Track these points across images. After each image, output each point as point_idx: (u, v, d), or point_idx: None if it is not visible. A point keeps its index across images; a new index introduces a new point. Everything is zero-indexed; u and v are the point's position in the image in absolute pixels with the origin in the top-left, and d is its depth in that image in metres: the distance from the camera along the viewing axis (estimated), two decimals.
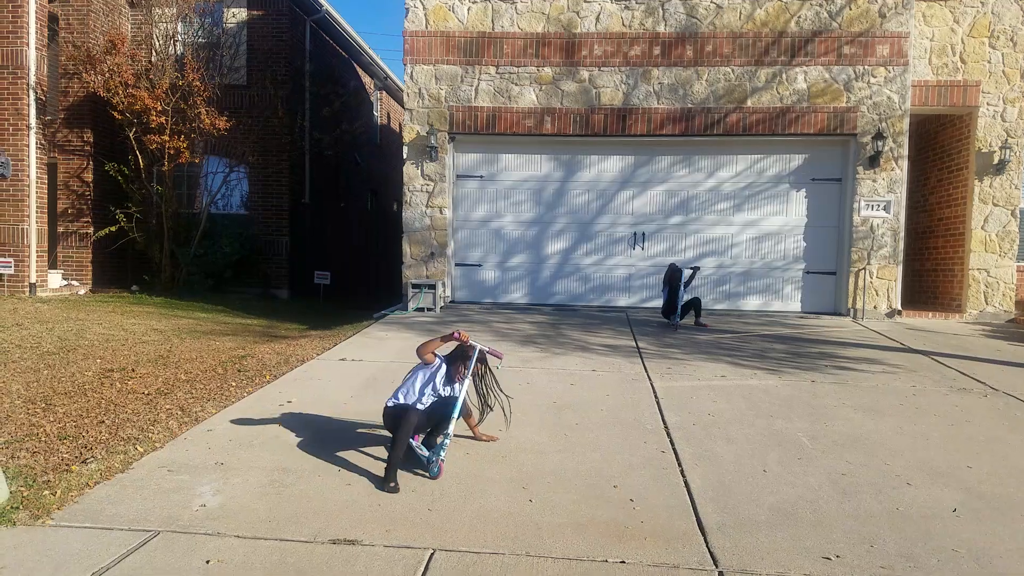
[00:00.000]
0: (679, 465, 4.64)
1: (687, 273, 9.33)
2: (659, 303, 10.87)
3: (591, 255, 11.02)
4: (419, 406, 4.45)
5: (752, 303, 10.69)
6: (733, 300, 10.76)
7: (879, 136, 9.87)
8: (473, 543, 3.52)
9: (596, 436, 5.17)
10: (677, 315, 9.15)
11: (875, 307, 10.19)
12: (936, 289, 11.53)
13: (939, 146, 11.60)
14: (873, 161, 10.00)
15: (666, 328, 9.26)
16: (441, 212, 10.76)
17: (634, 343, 8.37)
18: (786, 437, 5.22)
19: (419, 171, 10.80)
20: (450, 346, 4.62)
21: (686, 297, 9.31)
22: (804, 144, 10.44)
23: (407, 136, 10.87)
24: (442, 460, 4.32)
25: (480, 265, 11.16)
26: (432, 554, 3.42)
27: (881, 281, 10.20)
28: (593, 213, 10.98)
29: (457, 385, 4.60)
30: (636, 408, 5.84)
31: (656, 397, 6.15)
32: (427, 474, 4.34)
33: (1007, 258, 10.56)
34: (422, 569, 3.27)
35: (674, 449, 4.94)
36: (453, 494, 4.10)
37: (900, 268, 10.30)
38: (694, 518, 3.88)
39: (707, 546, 3.56)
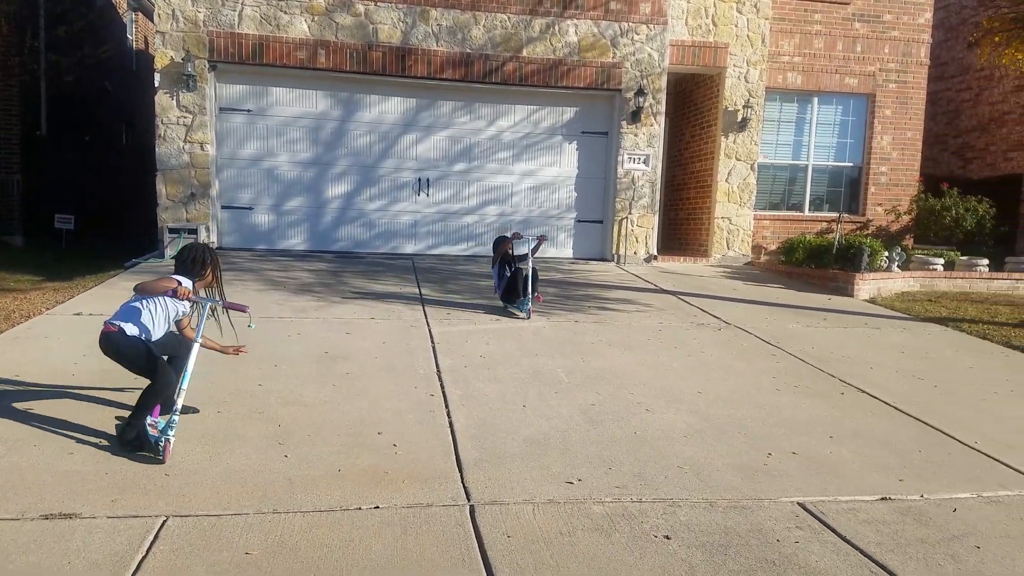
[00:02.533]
0: (446, 407, 4.70)
1: (530, 244, 7.32)
2: (447, 250, 10.93)
3: (375, 200, 10.71)
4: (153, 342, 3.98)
5: None
6: None
7: (640, 92, 10.59)
8: (214, 506, 3.27)
9: (366, 384, 5.06)
10: (527, 299, 7.11)
11: (635, 253, 11.10)
12: (688, 236, 12.84)
13: (694, 104, 12.76)
14: (635, 116, 10.74)
15: (455, 279, 9.30)
16: (202, 148, 9.77)
17: (417, 290, 8.32)
18: (547, 374, 5.51)
19: (175, 102, 9.67)
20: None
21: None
22: (576, 97, 10.91)
23: (159, 62, 9.65)
24: (170, 440, 3.67)
25: (251, 208, 10.36)
26: (164, 521, 3.12)
27: (641, 229, 11.11)
28: (376, 156, 10.64)
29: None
30: (411, 354, 5.82)
31: (432, 342, 6.17)
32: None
33: (746, 208, 11.99)
34: (151, 539, 2.98)
35: (443, 392, 4.99)
36: (197, 456, 3.78)
37: (657, 217, 11.28)
38: (454, 457, 3.96)
39: (462, 482, 3.65)
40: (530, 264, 7.21)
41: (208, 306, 3.93)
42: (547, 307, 7.83)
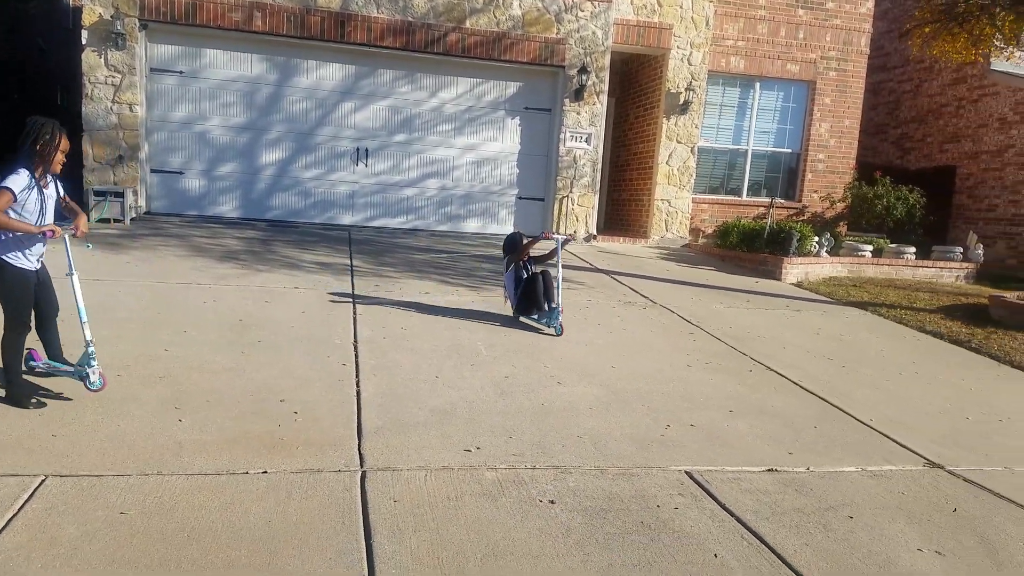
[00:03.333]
0: (357, 377, 4.69)
1: (559, 241, 6.39)
2: (386, 222, 10.80)
3: (312, 168, 10.51)
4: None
5: (472, 225, 11.09)
6: (455, 222, 11.06)
7: (584, 70, 10.59)
8: (97, 467, 3.22)
9: (278, 353, 5.01)
10: (555, 311, 6.07)
11: (575, 231, 11.16)
12: (630, 217, 12.97)
13: (638, 85, 12.82)
14: (578, 94, 10.74)
15: (391, 252, 9.20)
16: (131, 109, 9.43)
17: (349, 261, 8.23)
18: (467, 347, 5.53)
19: (103, 60, 9.31)
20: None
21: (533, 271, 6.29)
22: (519, 72, 10.85)
23: (87, 19, 9.27)
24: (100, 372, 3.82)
25: (182, 173, 10.07)
26: (43, 480, 3.06)
27: (581, 208, 11.18)
28: (313, 123, 10.42)
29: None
30: (331, 325, 5.77)
31: (355, 313, 6.13)
32: (66, 397, 3.87)
33: (685, 191, 12.16)
34: (25, 497, 2.92)
35: (357, 362, 4.97)
36: (87, 418, 3.70)
37: (597, 197, 11.34)
38: (355, 425, 3.96)
39: (359, 449, 3.66)
40: (559, 267, 6.27)
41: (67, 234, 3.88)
42: (480, 282, 7.85)
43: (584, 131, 10.99)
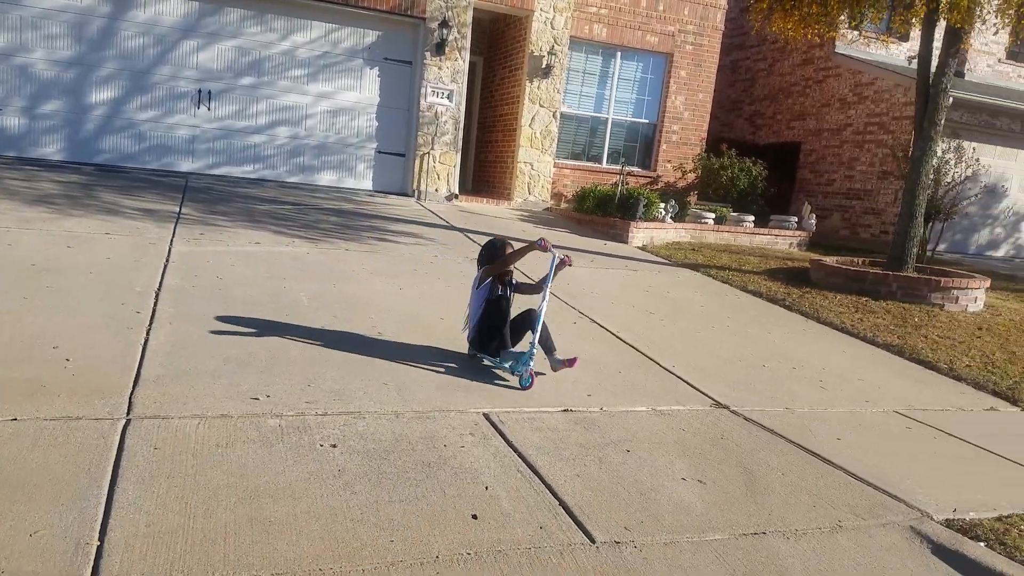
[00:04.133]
0: (150, 324, 4.40)
1: (552, 261, 4.52)
2: (230, 170, 10.20)
3: (148, 110, 9.73)
4: None
5: (326, 178, 10.71)
6: (308, 174, 10.63)
7: (445, 24, 10.39)
8: None
9: (66, 299, 4.61)
10: (526, 355, 4.24)
11: (437, 190, 11.05)
12: (495, 179, 12.99)
13: (504, 46, 12.76)
14: (440, 48, 10.54)
15: (230, 201, 8.69)
16: None
17: (178, 209, 7.72)
18: (287, 297, 5.33)
19: None
20: None
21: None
22: (378, 21, 10.48)
23: None
24: None
25: (0, 109, 9.07)
26: None
27: (443, 166, 11.05)
28: (150, 61, 9.62)
29: None
30: (136, 272, 5.38)
31: (167, 261, 5.75)
32: None
33: (547, 154, 12.29)
34: None
35: (155, 310, 4.66)
36: None
37: (459, 155, 11.25)
38: (134, 373, 3.70)
39: (130, 398, 3.42)
40: (546, 295, 4.43)
41: None
42: (322, 235, 7.60)
43: (446, 87, 10.82)
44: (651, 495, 3.20)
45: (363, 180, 10.91)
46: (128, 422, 3.19)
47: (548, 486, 3.13)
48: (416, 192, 10.94)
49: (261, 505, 2.69)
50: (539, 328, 4.32)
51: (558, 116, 12.19)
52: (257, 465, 2.97)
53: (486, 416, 3.79)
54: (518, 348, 4.45)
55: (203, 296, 5.04)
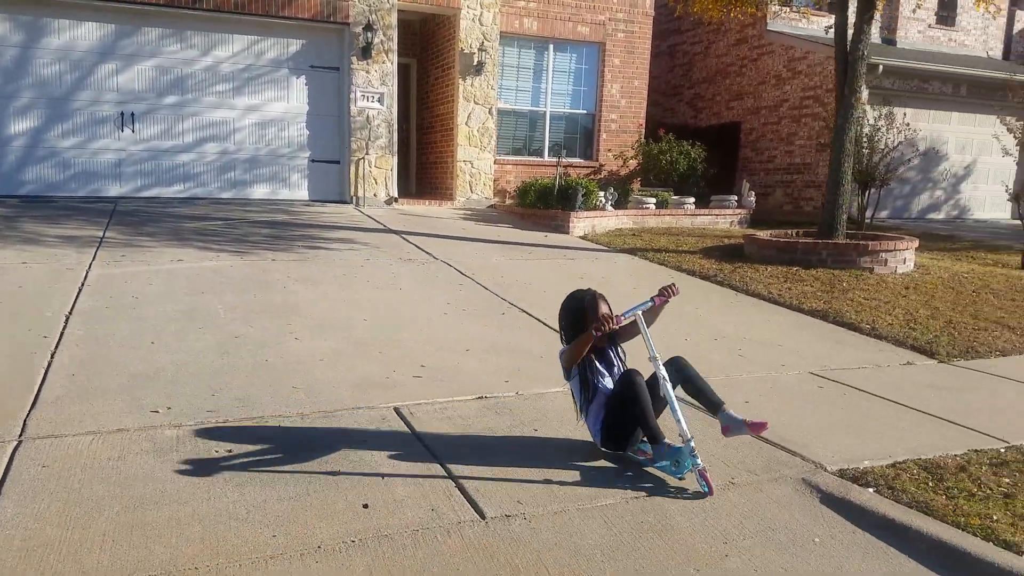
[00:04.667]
0: (56, 347, 4.33)
1: (639, 307, 3.34)
2: (160, 191, 10.05)
3: (70, 136, 9.55)
4: None
5: (260, 191, 10.61)
6: (240, 188, 10.53)
7: (369, 27, 10.37)
8: None
9: None
10: (683, 451, 3.07)
11: (375, 195, 11.02)
12: (436, 180, 12.99)
13: (435, 46, 12.77)
14: (366, 52, 10.52)
15: (158, 222, 8.57)
16: None
17: (102, 233, 7.60)
18: (204, 311, 5.28)
19: None
20: None
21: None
22: (301, 29, 10.43)
23: None
24: None
25: None
26: None
27: (379, 170, 11.03)
28: (69, 87, 9.46)
29: None
30: (48, 297, 5.29)
31: (83, 285, 5.67)
32: None
33: (486, 152, 12.33)
34: None
35: (63, 332, 4.59)
36: None
37: (395, 159, 11.23)
38: (33, 395, 3.65)
39: (25, 419, 3.37)
40: (651, 345, 3.24)
41: None
42: (250, 248, 7.55)
43: (376, 90, 10.80)
44: (551, 469, 3.24)
45: (298, 190, 10.83)
46: (19, 443, 3.14)
47: (447, 470, 3.16)
48: (354, 198, 10.89)
49: (144, 512, 2.67)
50: (675, 406, 3.09)
51: (494, 112, 12.24)
52: (146, 475, 2.95)
53: (396, 410, 3.80)
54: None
55: (115, 316, 4.98)
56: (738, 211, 12.61)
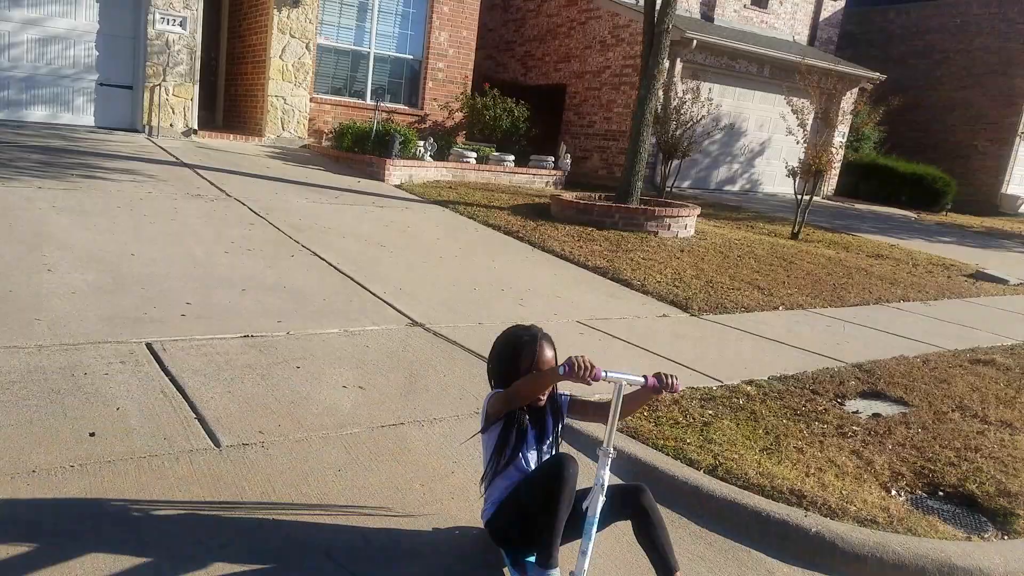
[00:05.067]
0: None
1: (621, 381, 2.26)
2: None
3: None
4: None
5: (37, 114, 9.43)
6: (14, 109, 9.28)
7: None
8: None
9: None
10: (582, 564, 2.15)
11: (171, 125, 10.21)
12: (245, 114, 12.26)
13: None
14: None
15: None
16: None
17: None
18: None
19: None
20: None
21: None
22: None
23: None
24: None
25: None
26: None
27: (177, 99, 10.21)
28: None
29: None
30: None
31: None
32: None
33: (302, 88, 11.80)
34: None
35: None
36: None
37: (197, 88, 10.45)
38: None
39: None
40: (612, 433, 2.26)
41: None
42: (16, 173, 6.76)
43: (178, 14, 9.92)
44: (303, 403, 3.31)
45: (83, 115, 9.77)
46: None
47: (191, 403, 3.13)
48: (147, 128, 10.02)
49: None
50: (594, 517, 2.17)
51: (313, 48, 11.71)
52: None
53: (149, 346, 3.67)
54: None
55: None
56: (554, 172, 13.15)
